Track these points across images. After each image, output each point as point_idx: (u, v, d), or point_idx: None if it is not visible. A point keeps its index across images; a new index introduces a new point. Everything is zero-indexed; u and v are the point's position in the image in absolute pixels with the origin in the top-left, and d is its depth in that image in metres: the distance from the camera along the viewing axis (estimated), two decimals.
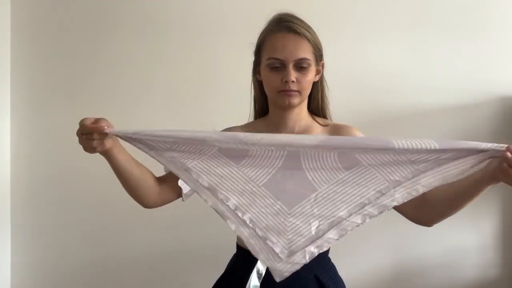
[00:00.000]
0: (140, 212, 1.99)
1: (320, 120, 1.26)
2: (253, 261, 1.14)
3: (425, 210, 1.13)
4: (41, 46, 2.15)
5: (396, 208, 1.10)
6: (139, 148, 1.10)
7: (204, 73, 2.07)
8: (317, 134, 1.16)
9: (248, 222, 1.07)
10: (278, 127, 1.22)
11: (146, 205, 1.22)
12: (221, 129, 1.25)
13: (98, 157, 2.17)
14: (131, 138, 1.08)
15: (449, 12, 2.00)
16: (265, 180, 1.08)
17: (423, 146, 0.99)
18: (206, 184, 1.08)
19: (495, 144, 0.96)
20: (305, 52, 1.15)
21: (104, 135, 1.05)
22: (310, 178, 1.06)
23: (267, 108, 1.27)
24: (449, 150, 0.99)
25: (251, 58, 1.25)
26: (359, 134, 1.22)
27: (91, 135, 1.05)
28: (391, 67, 2.01)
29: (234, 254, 1.31)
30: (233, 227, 1.08)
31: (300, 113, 1.22)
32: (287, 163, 1.07)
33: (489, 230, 2.02)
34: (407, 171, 1.03)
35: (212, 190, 1.08)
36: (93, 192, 2.11)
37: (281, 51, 1.14)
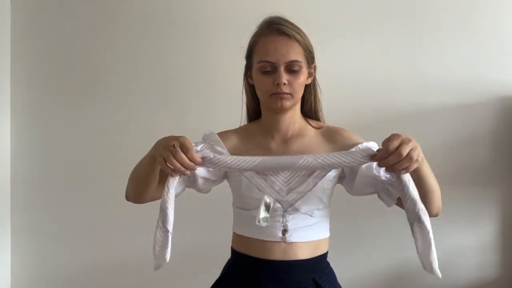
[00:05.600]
0: (140, 212, 2.01)
1: (313, 122, 1.25)
2: (248, 265, 1.16)
3: None
4: (41, 46, 2.16)
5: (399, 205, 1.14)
6: None
7: (201, 75, 2.07)
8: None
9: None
10: (271, 130, 1.22)
11: (139, 201, 1.20)
12: (216, 133, 1.25)
13: (97, 157, 2.17)
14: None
15: (448, 11, 1.99)
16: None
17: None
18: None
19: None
20: (296, 54, 1.13)
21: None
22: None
23: (260, 112, 1.26)
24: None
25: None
26: (351, 136, 1.21)
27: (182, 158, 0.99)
28: (390, 67, 2.00)
29: (229, 260, 1.29)
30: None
31: (293, 116, 1.21)
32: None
33: (488, 230, 2.01)
34: None
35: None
36: (93, 192, 2.12)
37: (272, 54, 1.12)
